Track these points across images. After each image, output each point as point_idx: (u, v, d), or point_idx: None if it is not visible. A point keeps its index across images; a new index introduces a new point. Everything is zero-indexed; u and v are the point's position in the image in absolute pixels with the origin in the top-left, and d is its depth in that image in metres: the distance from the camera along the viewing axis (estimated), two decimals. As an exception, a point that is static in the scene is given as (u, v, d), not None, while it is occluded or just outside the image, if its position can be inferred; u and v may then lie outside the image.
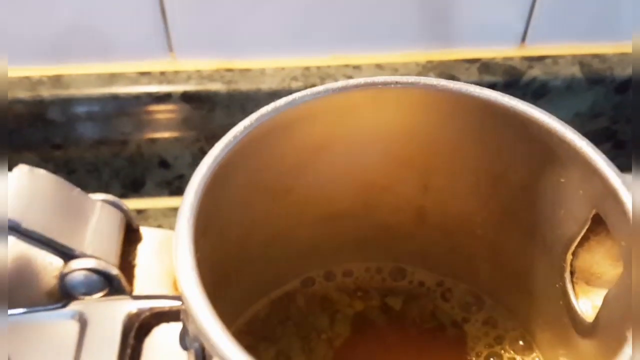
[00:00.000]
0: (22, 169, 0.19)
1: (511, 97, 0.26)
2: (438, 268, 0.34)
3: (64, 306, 0.20)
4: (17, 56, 0.48)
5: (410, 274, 0.35)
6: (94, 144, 0.50)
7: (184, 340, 0.22)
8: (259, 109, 0.51)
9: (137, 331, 0.45)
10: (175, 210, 0.60)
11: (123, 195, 0.55)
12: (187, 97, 0.49)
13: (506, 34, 0.50)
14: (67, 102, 0.48)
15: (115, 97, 0.48)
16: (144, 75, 0.49)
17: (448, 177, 0.30)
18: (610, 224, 0.24)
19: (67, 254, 0.19)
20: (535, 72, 0.49)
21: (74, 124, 0.49)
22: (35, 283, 0.20)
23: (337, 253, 0.34)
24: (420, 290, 0.35)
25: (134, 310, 0.45)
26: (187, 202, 0.22)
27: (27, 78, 0.48)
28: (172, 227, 0.50)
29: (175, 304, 0.44)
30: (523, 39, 0.50)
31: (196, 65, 0.49)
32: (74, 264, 0.19)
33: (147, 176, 0.53)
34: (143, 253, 0.22)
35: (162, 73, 0.49)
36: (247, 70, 0.49)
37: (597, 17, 0.49)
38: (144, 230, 0.22)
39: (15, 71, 0.48)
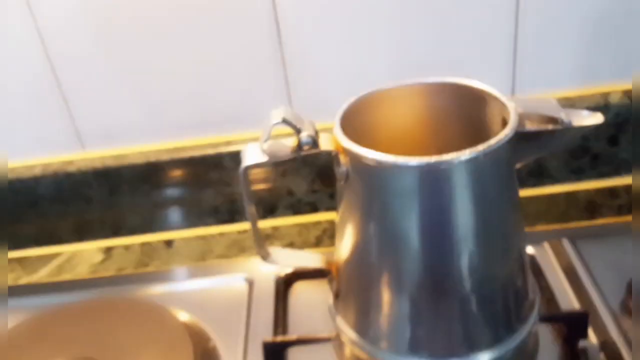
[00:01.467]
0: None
1: (474, 80, 0.60)
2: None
3: (297, 157, 0.55)
4: (204, 128, 0.83)
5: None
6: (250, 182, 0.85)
7: (337, 172, 0.56)
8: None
9: (284, 283, 0.79)
10: (298, 225, 0.93)
11: (263, 216, 0.87)
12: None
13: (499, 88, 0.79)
14: (235, 155, 0.79)
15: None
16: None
17: (446, 131, 0.64)
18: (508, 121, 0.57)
19: (300, 130, 0.55)
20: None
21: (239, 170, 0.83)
22: (284, 147, 0.56)
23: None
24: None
25: (282, 275, 0.78)
26: (337, 122, 0.57)
27: (212, 143, 0.84)
28: (300, 240, 0.84)
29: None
30: (512, 91, 0.82)
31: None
32: (303, 134, 0.55)
33: (278, 202, 0.87)
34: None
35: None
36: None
37: (566, 71, 0.81)
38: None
39: (204, 138, 0.84)
